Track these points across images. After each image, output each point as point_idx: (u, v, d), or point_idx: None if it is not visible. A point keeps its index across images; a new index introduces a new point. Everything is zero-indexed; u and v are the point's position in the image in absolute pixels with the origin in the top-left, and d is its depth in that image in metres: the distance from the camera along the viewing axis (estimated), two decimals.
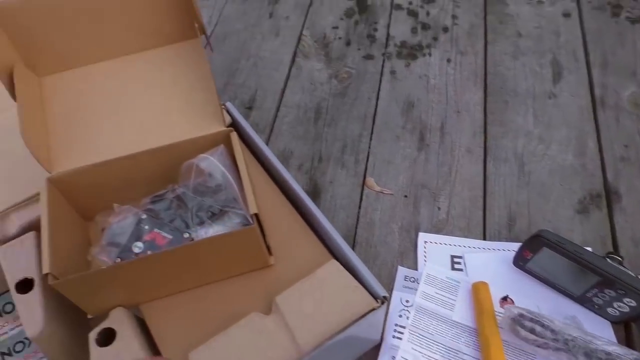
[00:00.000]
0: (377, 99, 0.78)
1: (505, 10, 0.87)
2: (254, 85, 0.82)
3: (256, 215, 0.45)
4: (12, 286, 0.49)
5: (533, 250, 0.55)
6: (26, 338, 0.57)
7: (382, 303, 0.47)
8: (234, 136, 0.51)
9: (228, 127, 0.52)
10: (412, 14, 0.89)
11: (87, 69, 0.54)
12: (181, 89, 0.52)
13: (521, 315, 0.52)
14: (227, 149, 0.51)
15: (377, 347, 0.56)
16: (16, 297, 0.49)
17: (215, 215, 0.52)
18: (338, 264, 0.49)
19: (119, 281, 0.45)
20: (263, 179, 0.57)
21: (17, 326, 0.58)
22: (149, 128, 0.51)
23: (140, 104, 0.52)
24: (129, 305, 0.50)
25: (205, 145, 0.51)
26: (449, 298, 0.59)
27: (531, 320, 0.52)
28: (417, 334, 0.56)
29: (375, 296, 0.47)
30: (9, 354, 0.56)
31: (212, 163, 0.48)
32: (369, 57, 0.84)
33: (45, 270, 0.41)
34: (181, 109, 0.52)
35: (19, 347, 0.57)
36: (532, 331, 0.51)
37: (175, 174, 0.53)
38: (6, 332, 0.58)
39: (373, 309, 0.47)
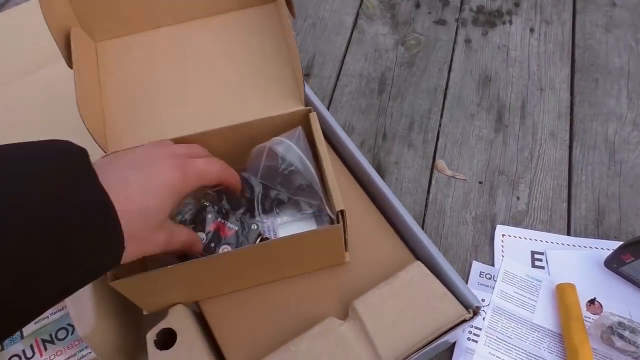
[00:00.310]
0: (449, 70, 0.71)
1: None
2: (312, 50, 0.75)
3: (342, 212, 0.40)
4: None
5: (636, 254, 0.49)
6: (70, 324, 0.54)
7: (475, 314, 0.42)
8: (314, 117, 0.45)
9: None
10: None
11: (148, 35, 0.48)
12: (255, 60, 0.46)
13: (620, 324, 0.47)
14: (304, 132, 0.46)
15: (448, 349, 0.52)
16: None
17: (284, 204, 0.47)
18: (423, 266, 0.44)
19: (184, 279, 0.41)
20: (336, 165, 0.52)
21: (59, 310, 0.55)
22: (216, 104, 0.46)
23: (208, 77, 0.46)
24: (189, 301, 0.46)
25: (280, 125, 0.45)
26: (529, 298, 0.54)
27: (632, 330, 0.47)
28: (494, 337, 0.52)
29: (466, 305, 0.43)
30: (51, 342, 0.53)
31: (290, 148, 0.43)
32: (440, 22, 0.76)
33: None
34: (254, 83, 0.46)
35: (61, 334, 0.53)
36: (632, 343, 0.47)
37: (242, 156, 0.47)
38: (47, 316, 0.55)
39: (464, 320, 0.42)
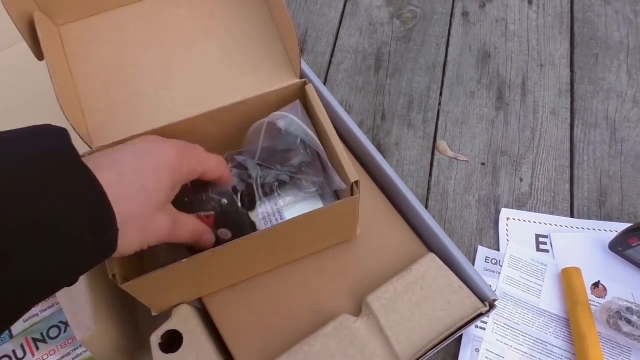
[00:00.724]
0: (447, 45, 0.69)
1: None
2: (304, 24, 0.71)
3: (356, 183, 0.37)
4: None
5: None
6: (62, 321, 0.51)
7: (491, 307, 0.41)
8: (311, 89, 0.42)
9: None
10: None
11: (117, 14, 0.44)
12: (240, 33, 0.42)
13: (628, 309, 0.47)
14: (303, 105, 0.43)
15: (456, 339, 0.51)
16: (60, 295, 0.43)
17: (285, 184, 0.45)
18: (437, 258, 0.43)
19: (195, 273, 0.39)
20: None
21: (49, 307, 0.52)
22: (203, 85, 0.42)
23: (189, 55, 0.42)
24: (195, 296, 0.44)
25: (275, 102, 0.42)
26: (534, 283, 0.53)
27: (638, 314, 0.47)
28: (501, 324, 0.51)
29: (481, 298, 0.42)
30: (43, 341, 0.50)
31: (293, 121, 0.40)
32: None
33: (112, 271, 0.35)
34: (242, 59, 0.42)
35: (53, 332, 0.51)
36: (638, 327, 0.47)
37: (236, 139, 0.44)
38: (37, 314, 0.52)
39: (480, 314, 0.41)
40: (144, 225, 0.33)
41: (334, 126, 0.40)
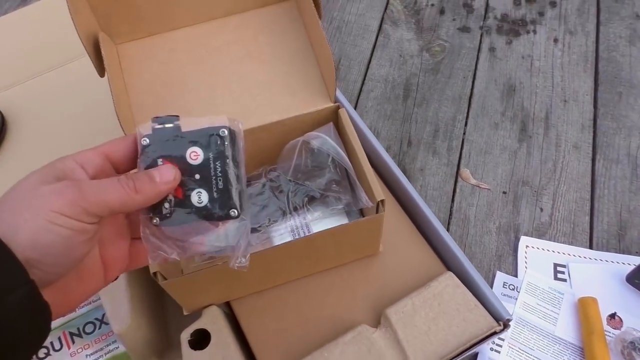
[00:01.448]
0: (474, 79, 0.72)
1: None
2: (338, 53, 0.75)
3: (382, 202, 0.40)
4: None
5: None
6: (97, 318, 0.55)
7: (505, 327, 0.43)
8: (344, 113, 0.45)
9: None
10: None
11: (168, 36, 0.48)
12: (280, 58, 0.46)
13: None
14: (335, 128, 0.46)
15: (471, 358, 0.52)
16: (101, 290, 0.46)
17: (315, 201, 0.48)
18: (455, 277, 0.45)
19: (225, 277, 0.42)
20: None
21: (86, 304, 0.56)
22: (244, 105, 0.46)
23: (233, 77, 0.46)
24: (225, 299, 0.47)
25: (310, 123, 0.45)
26: (551, 311, 0.55)
27: None
28: (516, 348, 0.53)
29: (496, 317, 0.43)
30: (79, 335, 0.54)
31: (325, 141, 0.43)
32: (465, 29, 0.76)
33: (153, 269, 0.38)
34: (281, 82, 0.46)
35: (89, 328, 0.54)
36: None
37: (273, 155, 0.48)
38: (74, 310, 0.56)
39: (494, 333, 0.43)
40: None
41: (363, 149, 0.43)
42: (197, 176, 0.32)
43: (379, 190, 0.39)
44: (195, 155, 0.33)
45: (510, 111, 0.68)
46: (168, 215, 0.32)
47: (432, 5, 0.79)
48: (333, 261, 0.46)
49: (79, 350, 0.53)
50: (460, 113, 0.69)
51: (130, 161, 0.33)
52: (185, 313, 0.45)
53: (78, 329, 0.54)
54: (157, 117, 0.33)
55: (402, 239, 0.49)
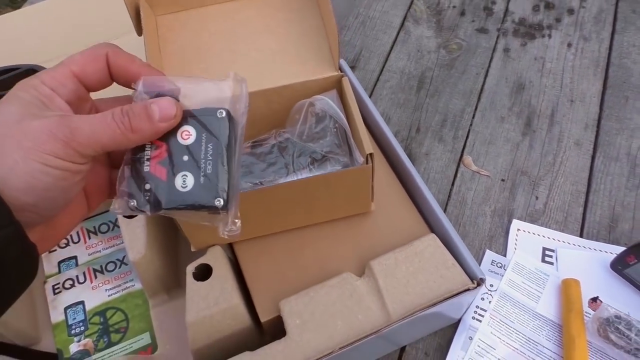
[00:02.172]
0: (486, 75, 0.75)
1: None
2: (360, 45, 0.81)
3: (371, 155, 0.45)
4: None
5: (639, 256, 0.53)
6: (118, 259, 0.61)
7: (478, 285, 0.47)
8: (346, 81, 0.50)
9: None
10: None
11: (201, 11, 0.55)
12: (295, 33, 0.52)
13: (617, 317, 0.51)
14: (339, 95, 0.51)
15: (453, 326, 0.56)
16: (122, 221, 0.53)
17: (317, 162, 0.53)
18: (437, 239, 0.49)
19: None
20: (374, 149, 0.57)
21: (110, 247, 0.63)
22: (261, 69, 0.52)
23: (253, 46, 0.52)
24: (226, 242, 0.52)
25: (317, 89, 0.51)
26: (535, 289, 0.57)
27: (627, 323, 0.50)
28: (497, 320, 0.56)
29: (471, 276, 0.47)
30: (101, 272, 0.60)
31: (327, 103, 0.48)
32: (482, 30, 0.80)
33: None
34: (294, 52, 0.52)
35: (110, 266, 0.61)
36: (625, 335, 0.50)
37: (281, 118, 0.53)
38: (99, 251, 0.62)
39: (467, 289, 0.46)
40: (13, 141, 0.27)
41: (373, 132, 0.48)
42: (186, 157, 0.30)
43: (369, 145, 0.44)
44: (187, 134, 0.31)
45: (518, 107, 0.72)
46: (147, 198, 0.30)
47: (454, 7, 0.84)
48: (327, 213, 0.51)
49: (100, 285, 0.60)
50: (470, 106, 0.73)
51: (103, 82, 0.31)
52: (192, 249, 0.50)
53: (101, 266, 0.61)
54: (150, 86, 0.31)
55: (394, 203, 0.53)
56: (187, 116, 0.31)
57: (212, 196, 0.30)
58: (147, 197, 0.30)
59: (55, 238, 0.31)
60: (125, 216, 0.53)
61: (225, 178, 0.30)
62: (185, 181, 0.30)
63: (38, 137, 0.26)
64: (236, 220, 0.31)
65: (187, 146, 0.30)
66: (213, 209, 0.30)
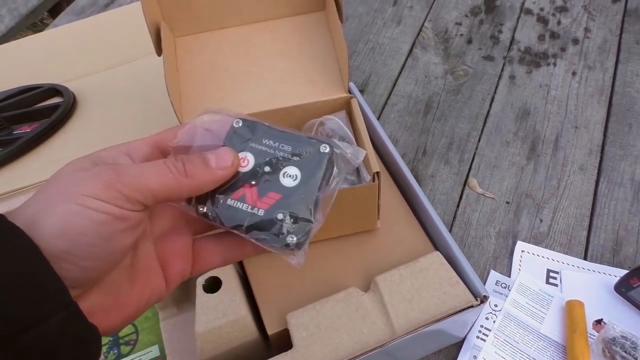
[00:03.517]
0: (492, 101, 0.77)
1: None
2: (369, 70, 0.83)
3: (377, 174, 0.46)
4: None
5: None
6: None
7: (481, 302, 0.47)
8: (355, 103, 0.53)
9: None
10: (542, 20, 0.86)
11: (218, 33, 0.58)
12: (306, 56, 0.55)
13: (624, 337, 0.51)
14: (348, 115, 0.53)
15: (457, 345, 0.56)
16: None
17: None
18: (441, 256, 0.50)
19: None
20: (381, 169, 0.59)
21: None
22: (273, 90, 0.54)
23: (266, 68, 0.55)
24: None
25: (326, 110, 0.53)
26: (539, 310, 0.58)
27: (633, 343, 0.50)
28: (502, 339, 0.56)
29: (475, 294, 0.48)
30: None
31: (337, 123, 0.50)
32: (489, 58, 0.83)
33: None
34: (305, 75, 0.54)
35: None
36: (631, 355, 0.50)
37: None
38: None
39: (471, 306, 0.47)
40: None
41: (380, 153, 0.49)
42: (266, 168, 0.30)
43: (376, 164, 0.46)
44: (243, 160, 0.30)
45: (523, 132, 0.73)
46: (290, 225, 0.29)
47: (462, 35, 0.86)
48: (334, 229, 0.52)
49: None
50: (475, 130, 0.74)
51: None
52: None
53: None
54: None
55: (400, 222, 0.55)
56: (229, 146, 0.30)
57: (318, 149, 0.30)
58: (288, 222, 0.29)
59: (123, 313, 0.28)
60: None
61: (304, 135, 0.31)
62: (290, 174, 0.30)
63: (81, 182, 0.25)
64: (301, 260, 0.30)
65: (254, 165, 0.30)
66: (329, 156, 0.30)
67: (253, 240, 0.29)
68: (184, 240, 0.31)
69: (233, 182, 0.29)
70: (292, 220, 0.29)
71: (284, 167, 0.30)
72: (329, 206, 0.30)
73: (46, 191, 0.25)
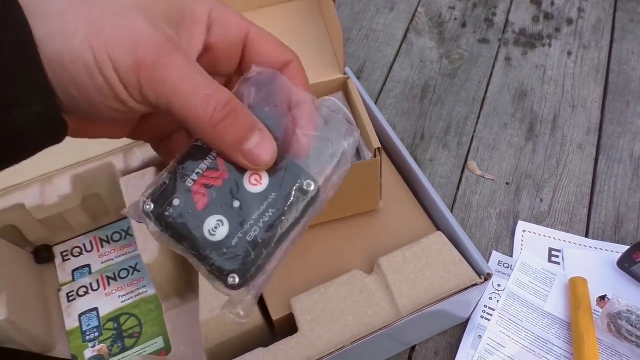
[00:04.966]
0: (489, 84, 0.77)
1: (638, 9, 0.83)
2: (364, 57, 0.83)
3: (378, 149, 0.46)
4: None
5: None
6: (131, 266, 0.62)
7: (485, 280, 0.47)
8: (352, 83, 0.52)
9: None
10: (536, 2, 0.86)
11: None
12: (301, 40, 0.55)
13: (629, 310, 0.51)
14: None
15: (462, 325, 0.56)
16: (135, 225, 0.54)
17: None
18: (444, 236, 0.50)
19: None
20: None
21: (122, 255, 0.64)
22: None
23: None
24: None
25: (323, 91, 0.53)
26: (542, 289, 0.58)
27: (638, 317, 0.50)
28: (506, 319, 0.56)
29: (478, 272, 0.48)
30: (114, 279, 0.61)
31: (335, 103, 0.50)
32: (484, 41, 0.82)
33: None
34: (300, 57, 0.54)
35: (123, 273, 0.62)
36: (638, 328, 0.50)
37: None
38: (112, 259, 0.64)
39: (475, 284, 0.47)
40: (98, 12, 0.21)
41: (380, 139, 0.49)
42: (237, 204, 0.24)
43: (377, 140, 0.46)
44: (256, 180, 0.25)
45: (520, 113, 0.73)
46: (168, 216, 0.25)
47: (456, 19, 0.86)
48: (336, 210, 0.52)
49: (113, 292, 0.61)
50: (473, 113, 0.74)
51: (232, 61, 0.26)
52: None
53: (114, 273, 0.62)
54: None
55: (402, 204, 0.55)
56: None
57: (230, 268, 0.24)
58: (166, 212, 0.25)
59: (84, 132, 0.25)
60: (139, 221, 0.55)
61: (261, 258, 0.24)
62: (216, 229, 0.24)
63: (119, 29, 0.21)
64: (241, 312, 0.25)
65: (248, 193, 0.24)
66: (222, 280, 0.24)
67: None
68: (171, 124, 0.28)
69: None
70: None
71: (223, 215, 0.25)
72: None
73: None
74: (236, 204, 0.24)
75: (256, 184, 0.24)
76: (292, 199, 0.24)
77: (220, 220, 0.24)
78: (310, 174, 0.25)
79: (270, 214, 0.24)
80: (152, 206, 0.25)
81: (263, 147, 0.24)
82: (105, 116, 0.23)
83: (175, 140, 0.28)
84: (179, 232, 0.25)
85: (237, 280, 0.24)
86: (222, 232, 0.24)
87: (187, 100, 0.22)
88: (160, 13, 0.22)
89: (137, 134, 0.28)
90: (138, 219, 0.26)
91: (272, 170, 0.25)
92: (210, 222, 0.24)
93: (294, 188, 0.25)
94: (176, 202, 0.25)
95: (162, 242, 0.26)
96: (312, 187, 0.25)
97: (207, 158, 0.25)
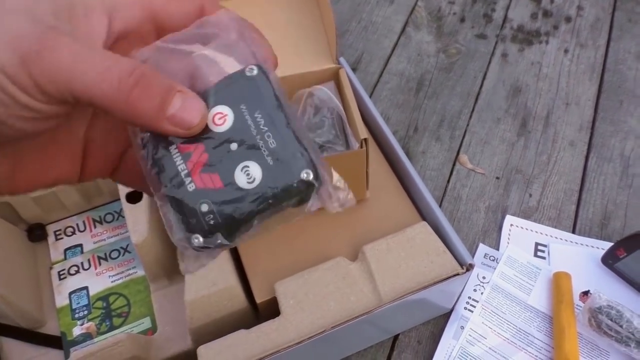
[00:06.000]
0: (484, 79, 0.78)
1: (637, 9, 0.83)
2: (361, 48, 0.83)
3: (365, 140, 0.47)
4: (123, 196, 0.55)
5: (629, 249, 0.54)
6: (122, 247, 0.63)
7: (467, 270, 0.48)
8: (343, 73, 0.53)
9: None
10: None
11: None
12: (294, 29, 0.55)
13: (609, 306, 0.52)
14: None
15: (445, 316, 0.57)
16: (126, 206, 0.55)
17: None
18: (428, 226, 0.51)
19: None
20: (372, 145, 0.59)
21: (114, 235, 0.65)
22: None
23: None
24: None
25: (315, 81, 0.53)
26: (527, 282, 0.59)
27: (618, 312, 0.51)
28: (489, 310, 0.57)
29: (461, 263, 0.49)
30: (105, 259, 0.62)
31: (326, 93, 0.51)
32: (481, 36, 0.82)
33: None
34: (293, 46, 0.54)
35: (114, 254, 0.63)
36: (617, 323, 0.51)
37: None
38: (104, 240, 0.65)
39: (457, 274, 0.48)
40: None
41: (372, 131, 0.50)
42: (234, 146, 0.22)
43: (364, 131, 0.46)
44: (221, 117, 0.22)
45: (514, 109, 0.74)
46: (212, 222, 0.22)
47: (454, 13, 0.86)
48: None
49: (104, 271, 0.62)
50: (467, 107, 0.75)
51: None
52: None
53: (105, 254, 0.63)
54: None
55: (389, 194, 0.55)
56: (211, 94, 0.23)
57: (297, 169, 0.22)
58: (210, 222, 0.22)
59: (18, 181, 0.23)
60: (128, 201, 0.55)
61: (297, 141, 0.22)
62: (249, 174, 0.22)
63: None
64: (338, 184, 0.24)
65: (228, 131, 0.22)
66: (304, 186, 0.22)
67: (158, 206, 0.23)
68: (117, 148, 0.25)
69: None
70: (212, 222, 0.22)
71: (248, 159, 0.22)
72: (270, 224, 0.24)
73: None
74: (233, 146, 0.22)
75: (223, 120, 0.22)
76: (252, 91, 0.23)
77: (245, 166, 0.22)
78: (240, 69, 0.24)
79: (259, 116, 0.22)
80: (198, 238, 0.22)
81: (188, 108, 0.21)
82: (18, 131, 0.21)
83: (127, 162, 0.26)
84: (238, 214, 0.22)
85: (311, 167, 0.22)
86: (256, 170, 0.22)
87: (87, 80, 0.19)
88: (45, 10, 0.20)
89: (88, 167, 0.25)
90: (206, 259, 0.24)
91: (219, 100, 0.23)
92: (240, 178, 0.22)
93: (243, 84, 0.23)
94: (203, 207, 0.22)
95: (242, 241, 0.24)
96: (255, 71, 0.23)
97: (175, 160, 0.23)
